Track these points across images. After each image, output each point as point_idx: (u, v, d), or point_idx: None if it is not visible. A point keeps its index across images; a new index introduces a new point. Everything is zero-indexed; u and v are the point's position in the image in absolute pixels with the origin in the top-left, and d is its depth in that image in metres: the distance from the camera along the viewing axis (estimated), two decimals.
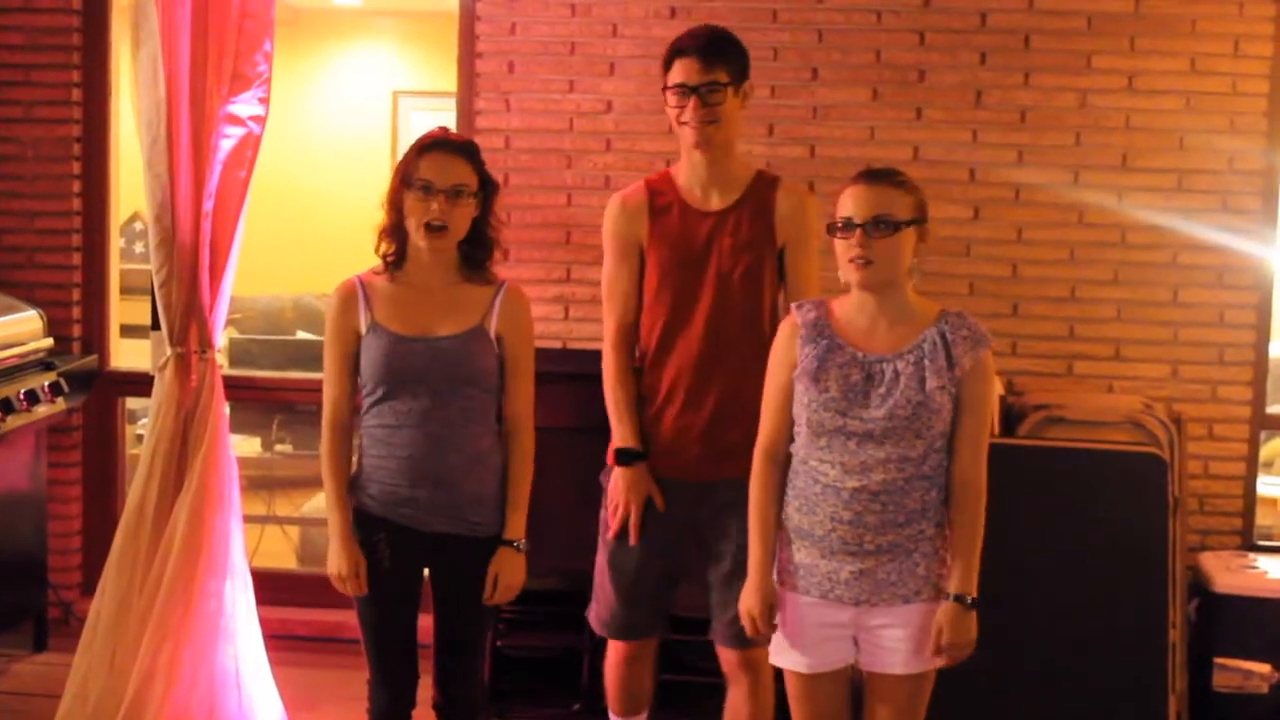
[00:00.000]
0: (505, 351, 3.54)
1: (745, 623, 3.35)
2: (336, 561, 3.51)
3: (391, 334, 3.47)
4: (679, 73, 3.68)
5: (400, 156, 3.56)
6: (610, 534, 3.84)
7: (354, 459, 3.58)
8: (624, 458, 3.80)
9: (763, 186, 3.79)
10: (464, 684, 3.62)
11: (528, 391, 3.60)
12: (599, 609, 3.94)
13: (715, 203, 3.77)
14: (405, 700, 3.63)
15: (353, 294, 3.52)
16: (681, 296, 3.75)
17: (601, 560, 3.91)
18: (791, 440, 3.34)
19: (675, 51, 3.70)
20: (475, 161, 3.52)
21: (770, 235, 3.75)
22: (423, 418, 3.45)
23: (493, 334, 3.51)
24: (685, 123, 3.69)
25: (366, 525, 3.52)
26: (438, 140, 3.50)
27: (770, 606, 3.31)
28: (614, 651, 3.98)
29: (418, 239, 3.46)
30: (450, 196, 3.43)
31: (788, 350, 3.33)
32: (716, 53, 3.68)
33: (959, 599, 3.23)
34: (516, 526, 3.56)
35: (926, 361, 3.22)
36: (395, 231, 3.51)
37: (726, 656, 3.84)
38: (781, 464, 3.36)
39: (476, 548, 3.54)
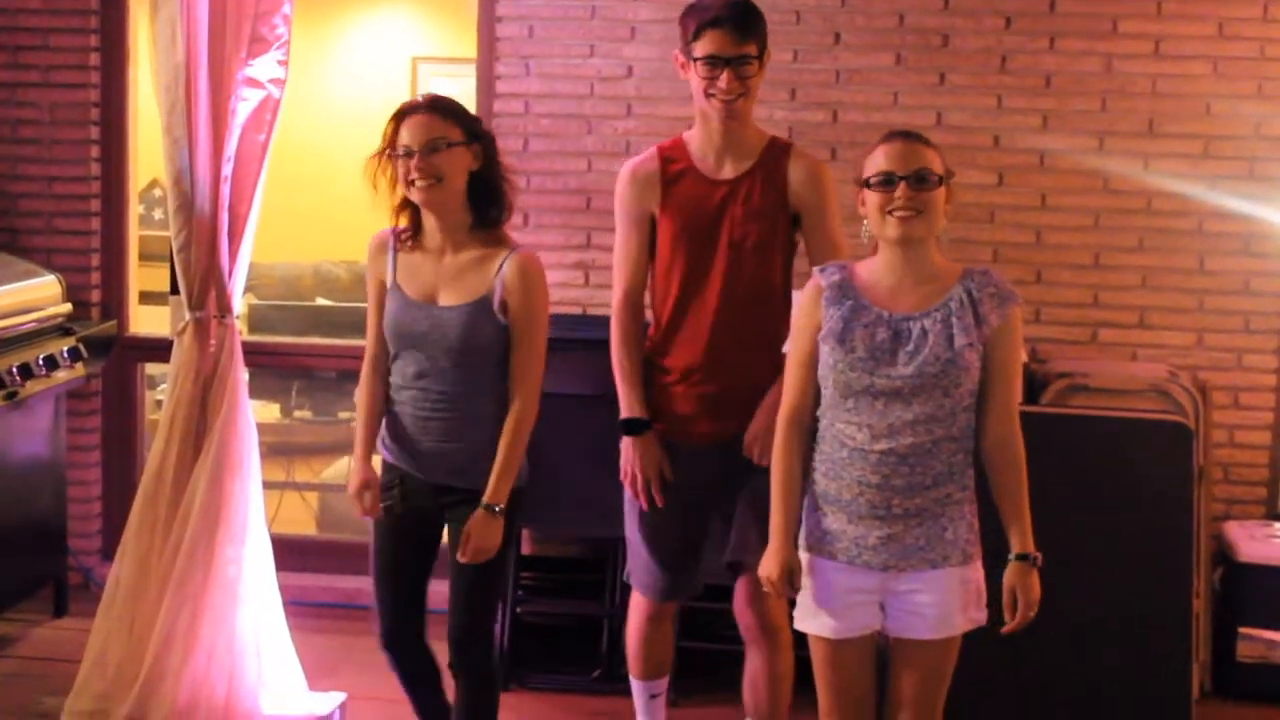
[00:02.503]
0: (510, 320, 3.52)
1: (765, 587, 3.34)
2: (352, 480, 3.67)
3: (404, 296, 3.57)
4: (711, 44, 3.63)
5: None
6: (633, 501, 3.85)
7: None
8: (631, 427, 3.81)
9: (775, 154, 3.76)
10: (471, 643, 3.64)
11: (531, 360, 3.55)
12: (641, 575, 3.91)
13: (728, 170, 3.75)
14: (403, 631, 3.72)
15: (384, 245, 3.64)
16: (694, 266, 3.74)
17: (631, 526, 3.90)
18: (817, 405, 3.32)
19: (707, 21, 3.64)
20: (452, 115, 3.53)
21: (783, 204, 3.74)
22: (425, 380, 3.55)
23: (497, 305, 3.50)
24: (713, 94, 3.66)
25: (387, 471, 3.67)
26: (408, 106, 3.56)
27: (790, 572, 3.29)
28: (638, 611, 3.96)
29: (416, 199, 3.52)
30: (427, 153, 3.46)
31: (811, 313, 3.30)
32: (749, 25, 3.66)
33: (1022, 558, 3.23)
34: (498, 490, 3.51)
35: (954, 319, 3.19)
36: (406, 204, 3.59)
37: (744, 618, 3.84)
38: (806, 430, 3.33)
39: (477, 502, 3.53)
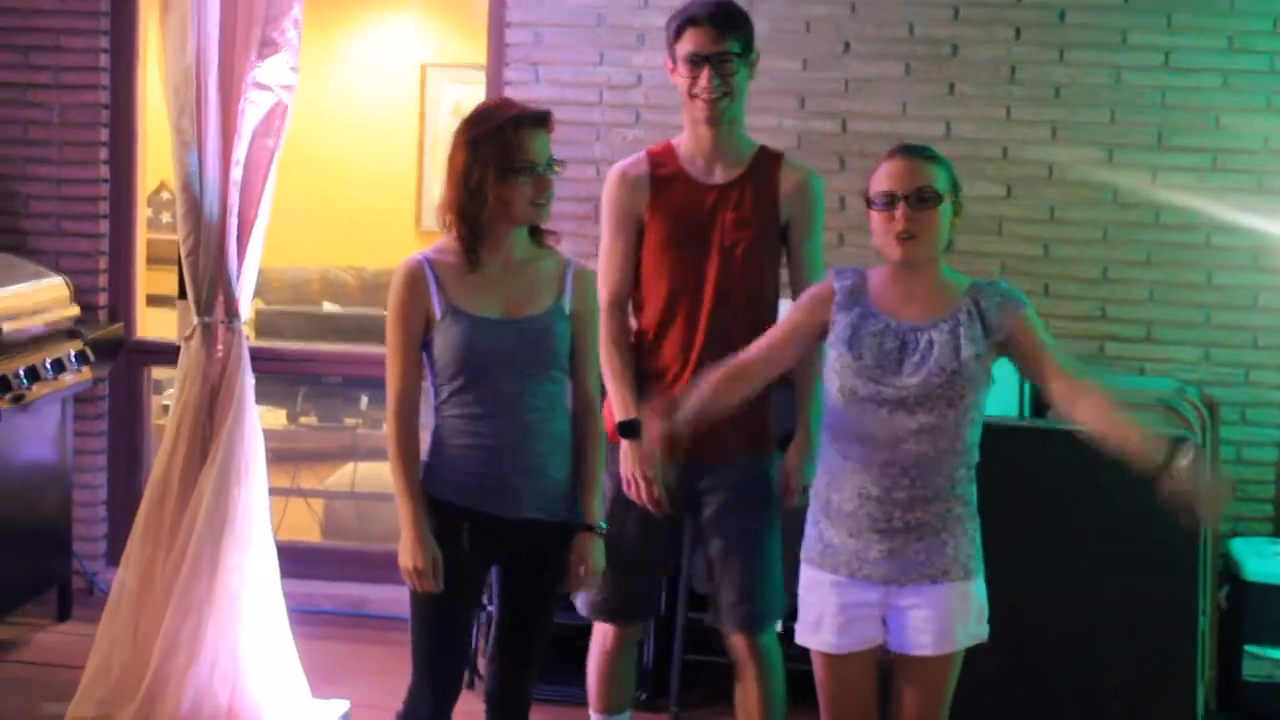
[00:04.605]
0: (576, 329, 3.39)
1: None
2: (412, 555, 3.27)
3: (473, 318, 3.29)
4: (690, 42, 3.59)
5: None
6: (637, 505, 3.69)
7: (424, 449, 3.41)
8: (629, 430, 3.63)
9: (766, 162, 3.72)
10: (526, 680, 3.50)
11: (596, 371, 3.49)
12: (608, 597, 3.75)
13: (718, 176, 3.69)
14: (448, 712, 3.44)
15: (420, 275, 3.31)
16: (684, 271, 3.66)
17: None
18: (767, 366, 3.34)
19: (686, 20, 3.60)
20: None
21: (773, 212, 3.68)
22: (511, 404, 3.29)
23: (569, 312, 3.37)
24: (697, 95, 3.62)
25: (446, 516, 3.32)
26: (534, 116, 3.31)
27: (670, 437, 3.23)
28: (600, 640, 3.86)
29: (527, 216, 3.30)
30: (549, 174, 3.30)
31: (816, 311, 3.31)
32: (728, 22, 3.61)
33: None
34: (595, 509, 3.42)
35: (962, 330, 3.19)
36: (471, 213, 3.27)
37: (736, 642, 3.75)
38: (739, 375, 3.33)
39: (555, 533, 3.39)
